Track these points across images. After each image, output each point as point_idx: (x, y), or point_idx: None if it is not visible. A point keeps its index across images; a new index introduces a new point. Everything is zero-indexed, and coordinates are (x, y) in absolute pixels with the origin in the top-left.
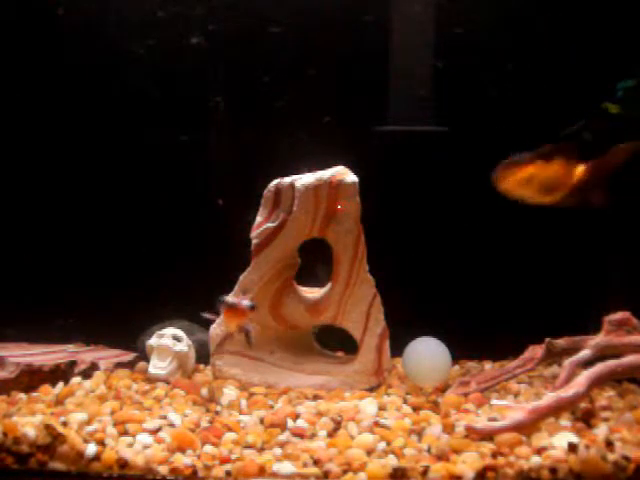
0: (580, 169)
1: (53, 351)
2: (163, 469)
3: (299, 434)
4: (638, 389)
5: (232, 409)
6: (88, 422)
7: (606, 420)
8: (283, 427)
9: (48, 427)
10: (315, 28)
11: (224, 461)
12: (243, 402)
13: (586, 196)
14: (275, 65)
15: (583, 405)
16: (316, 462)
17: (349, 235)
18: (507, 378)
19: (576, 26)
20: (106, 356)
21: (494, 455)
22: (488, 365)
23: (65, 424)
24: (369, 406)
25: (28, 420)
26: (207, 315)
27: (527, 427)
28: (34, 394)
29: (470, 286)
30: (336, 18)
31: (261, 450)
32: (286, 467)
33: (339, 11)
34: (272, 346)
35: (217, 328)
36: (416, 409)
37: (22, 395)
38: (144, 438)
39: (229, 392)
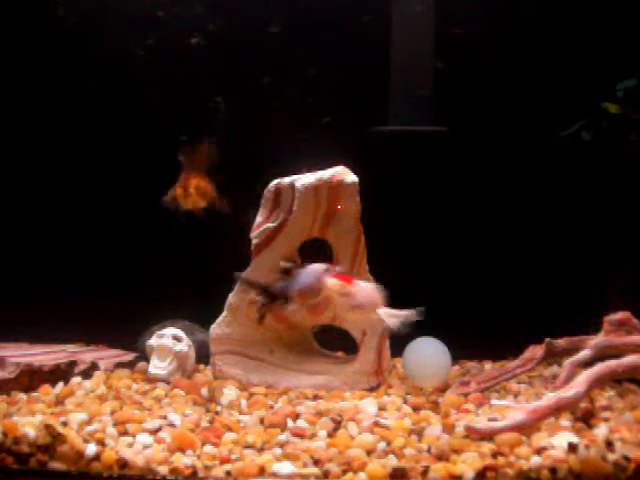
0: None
1: (53, 351)
2: (163, 469)
3: (299, 434)
4: (638, 389)
5: (232, 409)
6: (88, 422)
7: (606, 420)
8: (283, 427)
9: (48, 427)
10: (315, 28)
11: (224, 461)
12: (243, 402)
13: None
14: (275, 65)
15: (583, 405)
16: (316, 462)
17: (349, 235)
18: (507, 378)
19: (576, 26)
20: (106, 356)
21: (494, 455)
22: (488, 365)
23: (65, 424)
24: (369, 406)
25: (28, 420)
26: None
27: (527, 427)
28: (34, 394)
29: (470, 286)
30: (336, 18)
31: (261, 450)
32: (286, 467)
33: (339, 11)
34: (272, 346)
35: (217, 328)
36: (416, 409)
37: (22, 395)
38: (144, 438)
39: (229, 392)
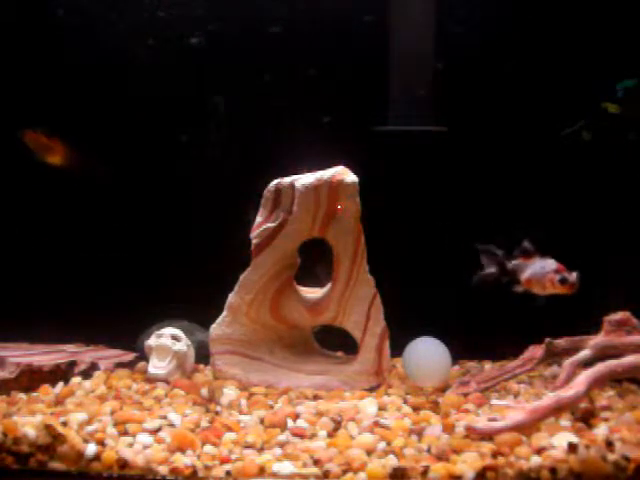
0: None
1: (53, 351)
2: (163, 469)
3: (299, 434)
4: (638, 389)
5: (232, 409)
6: (88, 422)
7: (606, 420)
8: (283, 427)
9: (48, 427)
10: (315, 28)
11: (224, 461)
12: (243, 402)
13: None
14: (275, 65)
15: (583, 405)
16: (316, 462)
17: (349, 235)
18: (507, 378)
19: (576, 26)
20: (106, 356)
21: (494, 455)
22: (488, 365)
23: (65, 424)
24: (369, 406)
25: (28, 420)
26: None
27: (527, 427)
28: (34, 394)
29: (470, 286)
30: (336, 18)
31: (261, 450)
32: (286, 467)
33: (339, 11)
34: (272, 346)
35: (217, 328)
36: (416, 409)
37: (22, 395)
38: (144, 438)
39: (229, 392)
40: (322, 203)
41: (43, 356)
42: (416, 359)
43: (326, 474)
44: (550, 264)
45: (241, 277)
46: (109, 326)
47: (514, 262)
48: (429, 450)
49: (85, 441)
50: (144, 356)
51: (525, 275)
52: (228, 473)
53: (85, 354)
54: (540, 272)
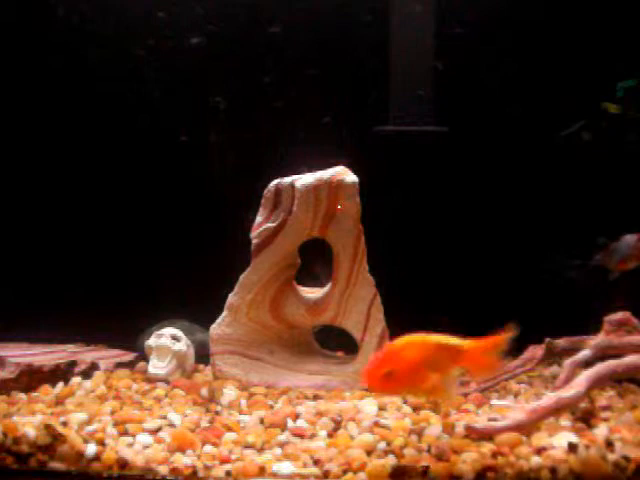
0: None
1: (53, 351)
2: (163, 469)
3: (299, 434)
4: (638, 389)
5: (232, 409)
6: (88, 422)
7: (606, 420)
8: (283, 427)
9: (48, 427)
10: (315, 28)
11: (224, 461)
12: (243, 402)
13: None
14: (275, 65)
15: (583, 405)
16: (316, 462)
17: (349, 235)
18: (507, 378)
19: (576, 26)
20: (106, 356)
21: (494, 455)
22: None
23: (65, 424)
24: (369, 406)
25: (28, 420)
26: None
27: (527, 427)
28: (34, 394)
29: (470, 286)
30: (336, 18)
31: (261, 450)
32: (286, 467)
33: (339, 11)
34: (272, 346)
35: (217, 328)
36: (416, 409)
37: (22, 395)
38: (144, 438)
39: (229, 392)
40: (322, 203)
41: (43, 356)
42: None
43: (326, 474)
44: (629, 238)
45: (241, 277)
46: (109, 326)
47: (596, 258)
48: (429, 450)
49: (85, 441)
50: (144, 356)
51: (616, 259)
52: (228, 473)
53: (85, 354)
54: (627, 249)
